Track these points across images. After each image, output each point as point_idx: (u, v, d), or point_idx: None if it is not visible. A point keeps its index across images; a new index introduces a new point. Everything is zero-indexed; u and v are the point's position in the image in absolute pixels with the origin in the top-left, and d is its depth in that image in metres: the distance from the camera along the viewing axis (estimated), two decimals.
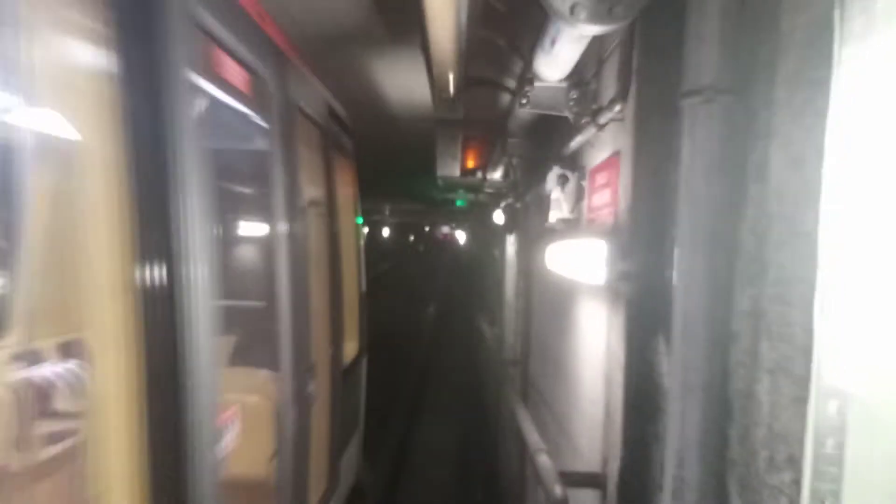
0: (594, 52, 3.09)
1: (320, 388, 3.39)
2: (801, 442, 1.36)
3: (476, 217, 17.69)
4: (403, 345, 15.02)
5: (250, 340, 2.90)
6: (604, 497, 2.86)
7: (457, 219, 29.43)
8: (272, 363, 2.71)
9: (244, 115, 2.51)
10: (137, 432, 1.52)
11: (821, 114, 1.35)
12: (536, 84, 3.24)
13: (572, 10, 1.90)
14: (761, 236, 1.65)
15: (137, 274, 1.52)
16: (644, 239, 2.44)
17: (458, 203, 14.08)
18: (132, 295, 1.51)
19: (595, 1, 1.89)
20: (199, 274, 1.70)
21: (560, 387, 4.46)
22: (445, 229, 40.32)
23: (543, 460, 3.12)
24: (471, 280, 21.00)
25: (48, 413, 1.70)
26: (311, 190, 3.49)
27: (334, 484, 3.93)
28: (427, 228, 44.86)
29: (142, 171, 1.54)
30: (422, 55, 3.33)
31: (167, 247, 1.61)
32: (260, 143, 2.68)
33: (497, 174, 7.59)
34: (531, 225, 6.22)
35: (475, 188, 9.51)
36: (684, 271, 1.82)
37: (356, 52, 4.99)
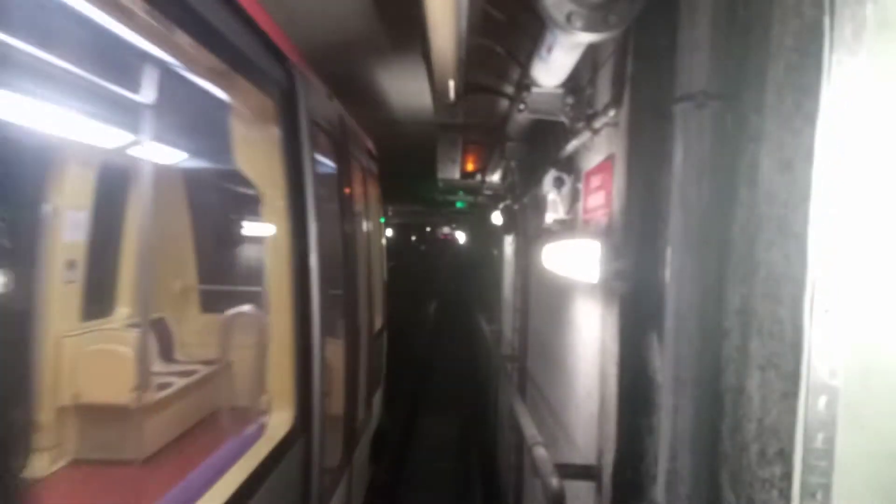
0: (589, 59, 3.13)
1: (362, 344, 4.94)
2: (791, 436, 1.37)
3: (475, 218, 17.71)
4: (409, 333, 16.97)
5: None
6: (599, 488, 2.88)
7: (457, 220, 29.32)
8: (337, 324, 4.06)
9: (327, 163, 4.00)
10: (290, 350, 2.92)
11: (809, 118, 1.36)
12: (534, 90, 3.28)
13: (568, 18, 1.94)
14: (751, 237, 1.68)
15: (290, 260, 2.91)
16: (637, 239, 2.48)
17: (458, 204, 14.11)
18: (288, 272, 2.91)
19: (590, 10, 1.93)
20: (317, 261, 3.07)
21: (557, 382, 4.49)
22: (446, 230, 40.13)
23: (540, 453, 3.14)
24: (470, 278, 21.25)
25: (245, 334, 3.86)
26: (357, 205, 5.12)
27: (369, 416, 5.64)
28: (428, 229, 44.70)
29: (291, 200, 2.90)
30: (423, 63, 3.37)
31: (304, 245, 2.99)
32: (332, 178, 4.13)
33: (496, 177, 7.64)
34: (529, 226, 6.26)
35: (474, 190, 9.56)
36: (676, 270, 1.84)
37: (361, 59, 5.06)
